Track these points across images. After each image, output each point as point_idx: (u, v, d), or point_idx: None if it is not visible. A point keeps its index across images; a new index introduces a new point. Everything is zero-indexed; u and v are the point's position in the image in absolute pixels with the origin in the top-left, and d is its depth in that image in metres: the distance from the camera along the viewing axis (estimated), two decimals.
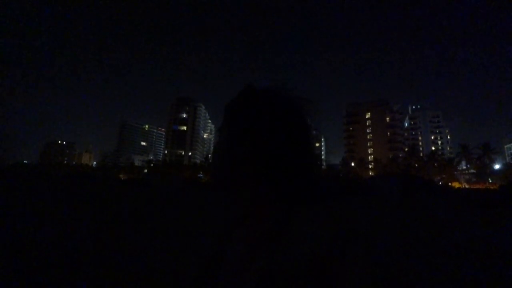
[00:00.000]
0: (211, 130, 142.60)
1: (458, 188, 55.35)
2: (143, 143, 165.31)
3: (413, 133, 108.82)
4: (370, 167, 77.84)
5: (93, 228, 6.53)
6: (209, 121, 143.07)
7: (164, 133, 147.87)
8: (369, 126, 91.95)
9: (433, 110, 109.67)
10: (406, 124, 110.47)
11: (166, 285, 3.35)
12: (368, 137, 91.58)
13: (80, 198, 14.66)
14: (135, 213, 9.92)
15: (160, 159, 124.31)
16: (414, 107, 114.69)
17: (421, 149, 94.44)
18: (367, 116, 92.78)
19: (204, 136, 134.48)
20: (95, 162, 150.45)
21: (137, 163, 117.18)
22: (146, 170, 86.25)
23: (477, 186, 56.16)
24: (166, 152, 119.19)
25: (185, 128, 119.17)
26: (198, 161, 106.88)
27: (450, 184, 61.05)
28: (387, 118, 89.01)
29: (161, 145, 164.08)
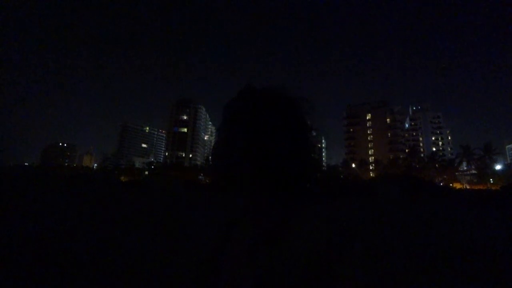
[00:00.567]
0: (211, 132, 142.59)
1: (459, 189, 55.18)
2: (144, 145, 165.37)
3: (414, 134, 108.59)
4: (371, 168, 77.77)
5: (94, 229, 6.55)
6: (210, 123, 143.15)
7: (164, 135, 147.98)
8: (369, 127, 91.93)
9: (434, 111, 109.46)
10: (407, 125, 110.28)
11: (166, 285, 3.36)
12: (368, 138, 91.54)
13: (80, 199, 14.68)
14: (135, 214, 9.93)
15: (161, 161, 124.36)
16: (414, 108, 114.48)
17: (422, 150, 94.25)
18: (367, 118, 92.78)
19: (205, 138, 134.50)
20: (95, 164, 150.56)
21: (138, 165, 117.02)
22: (147, 172, 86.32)
23: (479, 187, 55.98)
24: (166, 154, 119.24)
25: (185, 130, 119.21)
26: (198, 163, 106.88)
27: (451, 185, 60.89)
28: (388, 119, 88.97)
29: (162, 147, 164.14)
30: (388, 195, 28.86)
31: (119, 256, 4.45)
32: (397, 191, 30.88)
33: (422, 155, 77.70)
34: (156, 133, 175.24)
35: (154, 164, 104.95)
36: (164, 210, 11.88)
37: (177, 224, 8.02)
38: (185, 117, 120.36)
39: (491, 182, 59.34)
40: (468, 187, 61.43)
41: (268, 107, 0.49)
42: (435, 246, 5.82)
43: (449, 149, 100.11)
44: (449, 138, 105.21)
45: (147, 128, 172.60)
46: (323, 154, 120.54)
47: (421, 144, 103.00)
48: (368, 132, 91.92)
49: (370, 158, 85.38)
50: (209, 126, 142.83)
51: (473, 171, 62.31)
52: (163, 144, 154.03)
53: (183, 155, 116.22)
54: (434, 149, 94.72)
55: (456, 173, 64.88)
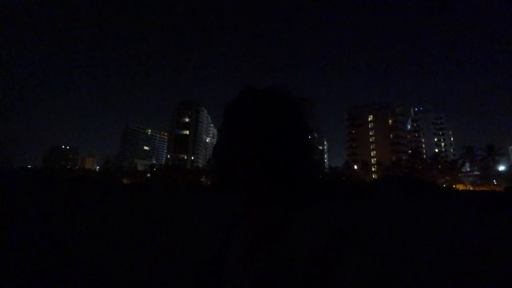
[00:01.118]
0: (213, 134, 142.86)
1: (463, 190, 54.85)
2: (146, 148, 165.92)
3: (416, 135, 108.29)
4: (373, 169, 77.51)
5: (96, 231, 6.57)
6: (212, 125, 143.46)
7: (166, 137, 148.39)
8: (371, 128, 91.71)
9: (436, 112, 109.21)
10: (409, 126, 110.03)
11: (169, 285, 3.37)
12: (370, 140, 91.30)
13: (83, 201, 14.74)
14: (137, 216, 9.96)
15: (163, 163, 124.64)
16: (416, 109, 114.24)
17: (424, 151, 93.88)
18: (369, 119, 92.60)
19: (207, 140, 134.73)
20: (98, 167, 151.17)
21: (140, 167, 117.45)
22: (149, 175, 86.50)
23: (482, 188, 55.64)
24: (168, 156, 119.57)
25: (187, 132, 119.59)
26: (200, 165, 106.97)
27: (454, 186, 60.56)
28: (390, 121, 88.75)
29: (163, 149, 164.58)
30: (390, 197, 28.74)
31: (122, 257, 4.47)
32: (399, 193, 30.75)
33: (424, 156, 77.30)
34: (158, 135, 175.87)
35: (156, 166, 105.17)
36: (166, 212, 11.91)
37: (178, 226, 8.04)
38: (187, 119, 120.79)
39: (495, 183, 58.98)
40: (471, 188, 61.07)
41: (269, 107, 0.49)
42: (437, 248, 5.79)
43: (451, 150, 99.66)
44: (452, 139, 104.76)
45: (149, 130, 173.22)
46: (325, 156, 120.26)
47: (423, 145, 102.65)
48: (370, 133, 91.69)
49: (372, 160, 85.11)
50: (211, 128, 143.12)
51: (476, 172, 61.95)
52: (165, 146, 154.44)
53: (185, 157, 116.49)
54: (436, 150, 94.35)
55: (459, 174, 64.49)
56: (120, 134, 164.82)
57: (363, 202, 21.59)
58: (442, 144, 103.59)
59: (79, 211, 10.65)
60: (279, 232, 0.45)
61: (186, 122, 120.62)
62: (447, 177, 62.81)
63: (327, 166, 72.82)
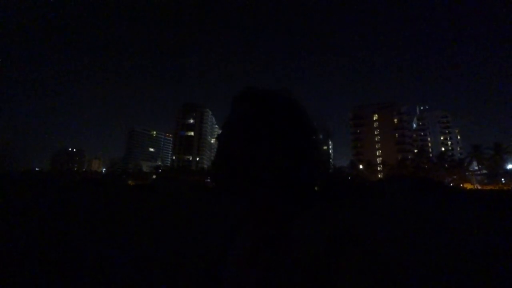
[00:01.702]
0: (218, 135, 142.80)
1: (470, 189, 54.15)
2: (151, 149, 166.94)
3: (422, 134, 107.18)
4: (378, 169, 76.90)
5: (103, 231, 6.69)
6: (216, 126, 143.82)
7: (171, 139, 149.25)
8: (376, 128, 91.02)
9: (442, 110, 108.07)
10: (414, 125, 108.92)
11: (171, 285, 3.45)
12: (376, 139, 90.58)
13: (90, 202, 14.94)
14: (142, 217, 10.08)
15: (168, 164, 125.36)
16: (422, 107, 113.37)
17: (430, 150, 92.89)
18: (374, 118, 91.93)
19: (212, 141, 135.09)
20: (104, 169, 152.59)
21: (145, 169, 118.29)
22: (154, 176, 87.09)
23: (490, 187, 54.86)
24: (173, 157, 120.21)
25: (192, 133, 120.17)
26: (205, 166, 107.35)
27: (461, 185, 59.80)
28: (395, 120, 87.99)
29: (169, 151, 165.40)
30: (396, 196, 28.52)
31: (127, 258, 4.55)
32: (406, 192, 30.51)
33: (430, 155, 76.45)
34: (163, 137, 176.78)
35: (161, 168, 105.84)
36: (170, 213, 12.02)
37: (182, 227, 8.12)
38: (191, 121, 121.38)
39: (503, 182, 58.10)
40: (479, 187, 60.24)
41: (271, 108, 0.49)
42: (443, 248, 5.78)
43: (458, 149, 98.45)
44: (458, 137, 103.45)
45: (154, 132, 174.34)
46: (331, 156, 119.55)
47: (429, 144, 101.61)
48: (375, 132, 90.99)
49: (377, 159, 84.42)
50: (216, 130, 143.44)
51: (484, 171, 61.08)
52: (170, 148, 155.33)
53: (190, 159, 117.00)
54: (443, 149, 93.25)
55: (466, 173, 63.66)
56: (126, 136, 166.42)
57: (369, 202, 21.47)
58: (449, 142, 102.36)
59: (84, 212, 10.82)
60: (280, 234, 0.45)
61: (191, 124, 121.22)
62: (454, 176, 62.03)
63: (332, 166, 72.43)
